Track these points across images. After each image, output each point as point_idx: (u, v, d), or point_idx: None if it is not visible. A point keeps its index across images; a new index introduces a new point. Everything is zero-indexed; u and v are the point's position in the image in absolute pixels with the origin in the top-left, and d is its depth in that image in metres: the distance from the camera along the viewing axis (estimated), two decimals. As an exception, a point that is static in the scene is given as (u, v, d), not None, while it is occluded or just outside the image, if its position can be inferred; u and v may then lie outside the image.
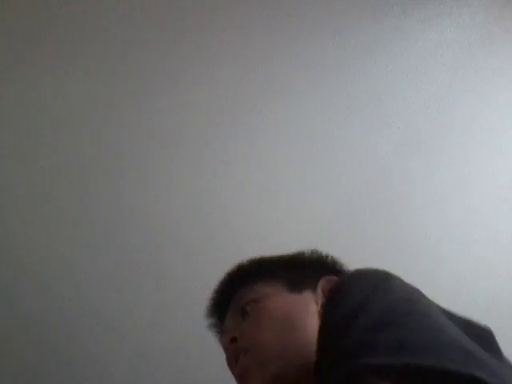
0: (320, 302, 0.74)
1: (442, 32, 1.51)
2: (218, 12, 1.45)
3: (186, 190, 1.48)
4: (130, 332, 1.46)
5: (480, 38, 1.53)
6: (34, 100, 1.41)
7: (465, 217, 1.61)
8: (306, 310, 0.73)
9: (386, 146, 1.55)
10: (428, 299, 0.62)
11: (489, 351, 0.53)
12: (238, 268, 0.85)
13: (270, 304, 0.76)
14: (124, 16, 1.42)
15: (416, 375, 0.47)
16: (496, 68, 1.57)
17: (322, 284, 0.77)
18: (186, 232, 1.48)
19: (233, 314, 0.81)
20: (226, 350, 0.79)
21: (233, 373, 0.77)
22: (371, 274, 0.66)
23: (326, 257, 0.85)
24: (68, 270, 1.45)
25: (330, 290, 0.73)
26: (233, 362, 0.76)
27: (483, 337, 0.57)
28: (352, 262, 0.81)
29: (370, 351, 0.50)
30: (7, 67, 1.39)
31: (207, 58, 1.45)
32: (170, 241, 1.48)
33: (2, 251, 1.42)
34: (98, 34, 1.41)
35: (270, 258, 0.85)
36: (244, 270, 0.84)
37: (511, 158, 1.61)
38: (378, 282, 0.62)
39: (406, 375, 0.47)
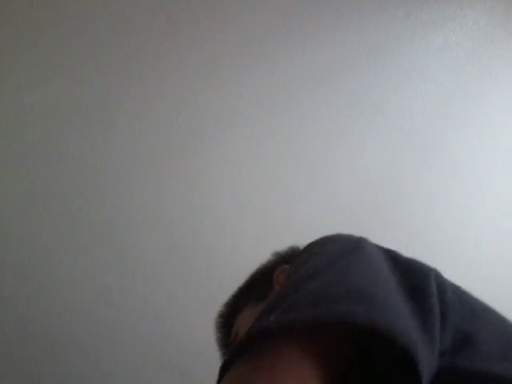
0: None
1: (445, 35, 1.51)
2: (217, 15, 1.45)
3: (186, 190, 1.48)
4: (130, 332, 1.46)
5: (484, 41, 1.53)
6: (37, 100, 1.41)
7: (469, 218, 1.62)
8: None
9: (389, 149, 1.55)
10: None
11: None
12: (220, 316, 0.87)
13: (242, 326, 0.77)
14: (123, 18, 1.41)
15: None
16: (500, 71, 1.57)
17: (274, 277, 0.75)
18: (186, 232, 1.49)
19: None
20: None
21: None
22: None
23: (291, 249, 0.82)
24: (68, 271, 1.46)
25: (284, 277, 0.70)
26: None
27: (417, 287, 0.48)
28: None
29: (267, 313, 0.44)
30: (7, 69, 1.39)
31: (207, 59, 1.45)
32: (170, 241, 1.48)
33: (2, 252, 1.43)
34: (98, 37, 1.41)
35: (241, 287, 0.85)
36: (224, 316, 0.86)
37: (515, 160, 1.62)
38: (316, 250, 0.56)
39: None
